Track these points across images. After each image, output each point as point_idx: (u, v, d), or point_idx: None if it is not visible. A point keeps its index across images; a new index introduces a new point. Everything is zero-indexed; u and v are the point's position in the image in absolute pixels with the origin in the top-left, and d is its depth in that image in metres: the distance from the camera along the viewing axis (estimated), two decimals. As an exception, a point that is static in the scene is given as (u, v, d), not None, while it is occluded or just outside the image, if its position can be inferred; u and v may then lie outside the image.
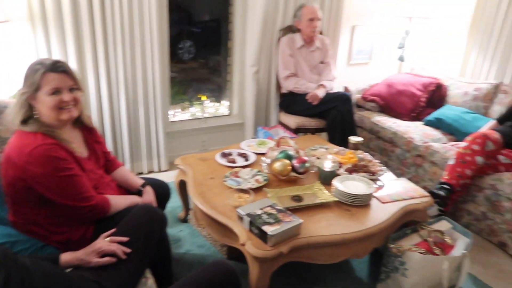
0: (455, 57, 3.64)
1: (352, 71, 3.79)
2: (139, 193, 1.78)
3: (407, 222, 1.95)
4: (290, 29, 3.17)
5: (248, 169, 2.08)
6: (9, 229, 1.51)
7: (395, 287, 1.86)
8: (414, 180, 2.79)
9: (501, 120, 2.70)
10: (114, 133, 2.85)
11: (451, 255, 1.83)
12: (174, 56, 3.18)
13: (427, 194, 2.03)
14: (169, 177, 2.77)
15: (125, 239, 1.39)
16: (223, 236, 1.73)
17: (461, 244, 1.90)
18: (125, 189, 1.80)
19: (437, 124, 3.03)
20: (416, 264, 1.75)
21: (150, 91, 2.85)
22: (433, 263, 1.78)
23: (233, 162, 2.19)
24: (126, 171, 1.86)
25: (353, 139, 2.39)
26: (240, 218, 1.63)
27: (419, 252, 1.77)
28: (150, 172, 3.07)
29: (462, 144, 2.47)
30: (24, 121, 1.45)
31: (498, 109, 2.96)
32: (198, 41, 3.33)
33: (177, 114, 3.38)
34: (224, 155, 2.26)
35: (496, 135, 2.39)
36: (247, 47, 3.24)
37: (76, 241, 1.51)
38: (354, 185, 1.94)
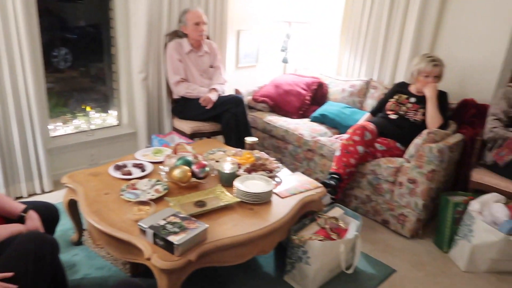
0: (331, 57, 3.99)
1: (241, 74, 3.90)
2: (21, 220, 1.57)
3: (305, 213, 2.08)
4: (176, 34, 3.12)
5: (146, 180, 1.99)
6: None
7: (300, 276, 1.96)
8: (307, 173, 2.98)
9: (374, 112, 3.05)
10: (-19, 155, 2.47)
11: (346, 238, 2.00)
12: (49, 65, 2.88)
13: (320, 185, 2.19)
14: (56, 198, 2.53)
15: (9, 274, 1.22)
16: (126, 253, 1.62)
17: (353, 227, 2.09)
18: (3, 217, 1.58)
19: (322, 120, 3.29)
20: (317, 251, 1.87)
21: (24, 104, 2.54)
22: (331, 247, 1.92)
23: (129, 174, 2.07)
24: (1, 197, 1.62)
25: (248, 139, 2.46)
26: (143, 231, 1.55)
27: (319, 240, 1.90)
28: (31, 195, 2.73)
29: (345, 136, 2.73)
30: None
31: (370, 102, 3.33)
32: (75, 48, 3.07)
33: (59, 128, 3.07)
34: (118, 167, 2.13)
35: (371, 125, 2.68)
36: (132, 53, 3.09)
37: None
38: (254, 184, 1.99)
